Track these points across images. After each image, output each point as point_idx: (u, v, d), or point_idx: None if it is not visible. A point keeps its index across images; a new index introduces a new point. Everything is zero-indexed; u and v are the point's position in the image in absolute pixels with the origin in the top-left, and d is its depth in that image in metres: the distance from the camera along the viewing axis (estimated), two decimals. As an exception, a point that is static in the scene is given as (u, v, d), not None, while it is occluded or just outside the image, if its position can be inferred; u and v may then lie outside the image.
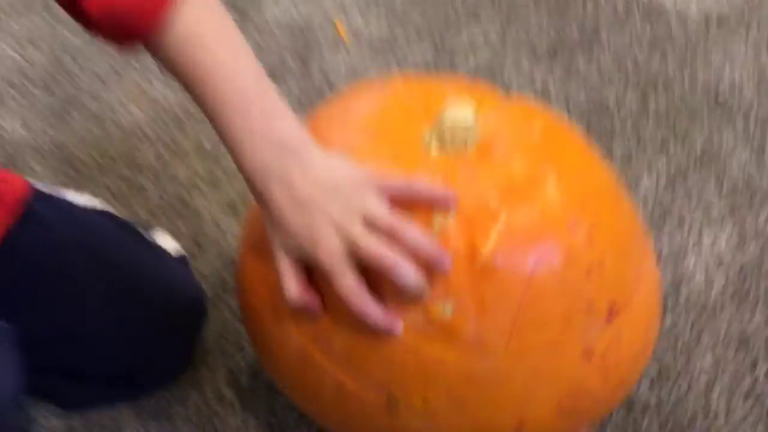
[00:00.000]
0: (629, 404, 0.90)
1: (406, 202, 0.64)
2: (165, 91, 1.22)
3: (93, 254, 0.84)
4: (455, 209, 0.63)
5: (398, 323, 0.63)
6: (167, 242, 1.00)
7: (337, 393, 0.69)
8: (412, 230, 0.62)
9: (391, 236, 0.62)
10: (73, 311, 0.83)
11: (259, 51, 1.26)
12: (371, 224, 0.62)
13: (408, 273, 0.61)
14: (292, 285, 0.65)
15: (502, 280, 0.63)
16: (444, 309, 0.63)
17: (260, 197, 0.66)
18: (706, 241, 1.04)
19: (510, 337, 0.64)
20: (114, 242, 0.88)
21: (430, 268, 0.62)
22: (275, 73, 1.23)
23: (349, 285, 0.62)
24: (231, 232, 1.06)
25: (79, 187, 1.09)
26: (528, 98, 1.19)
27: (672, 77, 1.23)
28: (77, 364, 0.87)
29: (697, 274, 1.01)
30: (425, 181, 0.64)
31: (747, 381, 0.92)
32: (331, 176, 0.64)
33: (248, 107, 0.65)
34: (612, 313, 0.67)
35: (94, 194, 1.06)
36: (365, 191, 0.63)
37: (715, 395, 0.90)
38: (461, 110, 0.68)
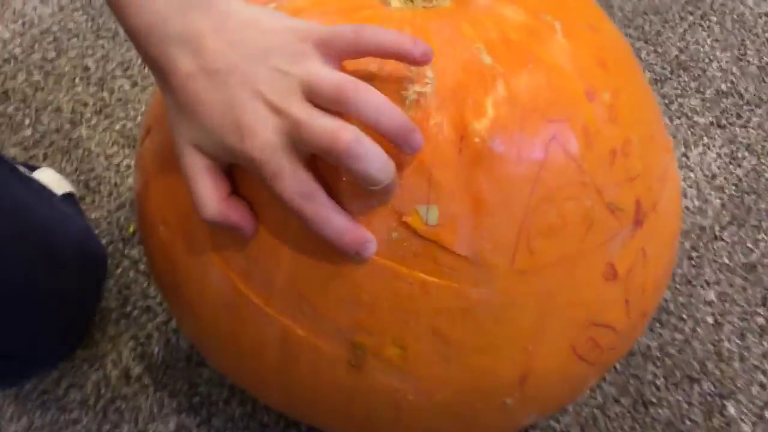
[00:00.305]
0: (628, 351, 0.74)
1: (361, 65, 0.46)
2: (36, 3, 1.00)
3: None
4: (433, 74, 0.45)
5: (370, 239, 0.45)
6: (53, 181, 0.79)
7: (282, 347, 0.50)
8: (370, 93, 0.43)
9: (341, 104, 0.43)
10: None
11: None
12: (315, 94, 0.44)
13: (372, 155, 0.43)
14: (209, 195, 0.46)
15: (503, 170, 0.45)
16: (426, 215, 0.45)
17: (157, 70, 0.46)
18: (694, 156, 0.89)
19: (516, 251, 0.46)
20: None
21: (395, 150, 0.44)
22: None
23: (297, 187, 0.44)
24: (126, 168, 0.85)
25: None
26: None
27: (635, -23, 1.08)
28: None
29: (688, 194, 0.86)
30: (385, 31, 0.45)
31: (760, 316, 0.77)
32: (255, 33, 0.45)
33: None
34: (638, 216, 0.50)
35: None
36: (304, 50, 0.44)
37: (724, 335, 0.75)
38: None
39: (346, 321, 0.48)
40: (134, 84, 0.91)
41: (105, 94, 0.90)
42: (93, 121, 0.88)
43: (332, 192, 0.45)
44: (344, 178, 0.45)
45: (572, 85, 0.47)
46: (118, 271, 0.79)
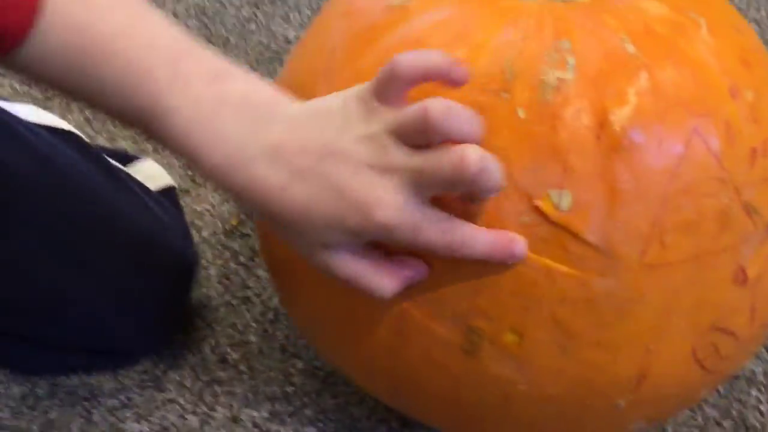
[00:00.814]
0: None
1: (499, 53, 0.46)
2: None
3: (50, 195, 0.65)
4: (574, 60, 0.45)
5: (518, 240, 0.45)
6: (153, 173, 0.81)
7: (396, 329, 0.50)
8: (451, 108, 0.42)
9: (431, 130, 0.42)
10: (25, 269, 0.64)
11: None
12: (405, 136, 0.43)
13: (494, 165, 0.42)
14: (377, 282, 0.46)
15: (641, 160, 0.44)
16: (559, 201, 0.45)
17: (249, 197, 0.46)
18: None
19: (648, 244, 0.45)
20: (80, 180, 0.69)
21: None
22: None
23: (438, 230, 0.44)
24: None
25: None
26: None
27: None
28: (37, 327, 0.68)
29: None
30: (419, 52, 0.45)
31: None
32: (322, 119, 0.45)
33: (182, 76, 0.46)
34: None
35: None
36: (368, 107, 0.44)
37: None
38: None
39: (465, 305, 0.48)
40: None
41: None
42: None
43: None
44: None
45: (716, 80, 0.46)
46: (219, 261, 0.80)
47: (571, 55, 0.46)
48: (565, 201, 0.45)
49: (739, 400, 0.70)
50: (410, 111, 0.43)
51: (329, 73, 0.51)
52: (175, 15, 1.02)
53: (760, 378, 0.71)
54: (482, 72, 0.46)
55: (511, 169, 0.45)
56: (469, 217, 0.45)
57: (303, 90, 0.52)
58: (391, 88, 0.44)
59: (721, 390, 0.71)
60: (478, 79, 0.46)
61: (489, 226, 0.45)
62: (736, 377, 0.71)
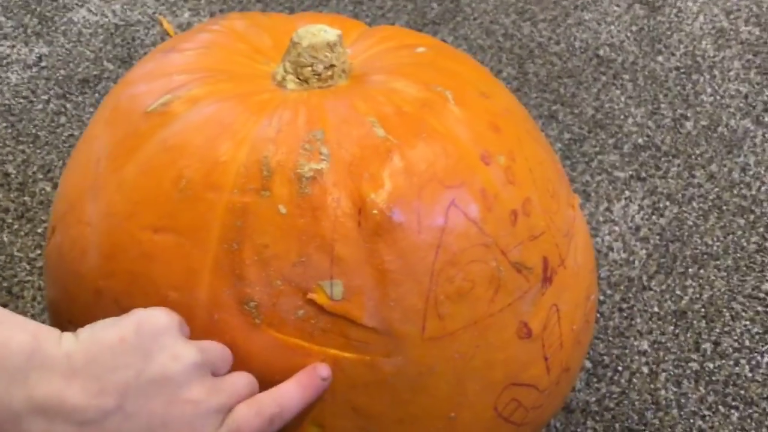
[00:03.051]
0: (566, 408, 0.74)
1: (255, 151, 0.46)
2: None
3: None
4: (328, 150, 0.46)
5: (320, 365, 0.46)
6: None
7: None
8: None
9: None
10: None
11: (70, 59, 1.06)
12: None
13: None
14: None
15: (404, 239, 0.45)
16: (331, 291, 0.45)
17: None
18: (617, 209, 0.91)
19: (425, 318, 0.46)
20: None
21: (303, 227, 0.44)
22: (94, 82, 1.03)
23: (254, 412, 0.43)
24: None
25: None
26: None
27: (547, 42, 1.11)
28: None
29: (614, 247, 0.87)
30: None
31: (694, 361, 0.77)
32: (110, 353, 0.40)
33: None
34: (547, 273, 0.51)
35: None
36: (160, 336, 0.42)
37: (660, 384, 0.76)
38: (320, 27, 0.51)
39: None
40: (56, 185, 0.91)
41: (27, 198, 0.89)
42: (15, 226, 0.87)
43: (237, 283, 0.45)
44: (242, 268, 0.45)
45: (467, 150, 0.48)
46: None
47: (325, 144, 0.46)
48: (337, 290, 0.45)
49: (575, 432, 0.72)
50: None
51: (95, 188, 0.50)
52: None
53: (594, 407, 0.74)
54: (242, 172, 0.46)
55: (281, 266, 0.45)
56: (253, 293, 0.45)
57: (73, 209, 0.50)
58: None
59: (558, 425, 0.72)
60: (238, 179, 0.46)
61: (269, 324, 0.45)
62: (571, 410, 0.73)
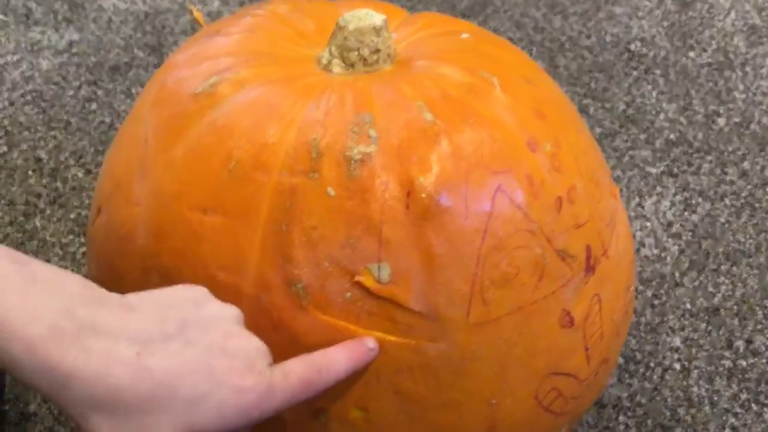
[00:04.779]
0: (598, 403, 0.73)
1: (303, 134, 0.46)
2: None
3: None
4: (377, 133, 0.46)
5: (368, 338, 0.46)
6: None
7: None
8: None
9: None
10: None
11: (101, 46, 1.06)
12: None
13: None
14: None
15: (451, 223, 0.45)
16: (378, 273, 0.45)
17: (81, 374, 0.37)
18: (649, 205, 0.90)
19: (471, 303, 0.46)
20: None
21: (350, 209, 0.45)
22: (125, 69, 1.03)
23: (304, 364, 0.44)
24: (82, 256, 0.84)
25: None
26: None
27: (577, 36, 1.11)
28: None
29: (646, 243, 0.86)
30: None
31: (727, 359, 0.77)
32: (155, 296, 0.42)
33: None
34: (590, 262, 0.50)
35: None
36: (198, 299, 0.43)
37: (693, 381, 0.75)
38: (366, 12, 0.50)
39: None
40: (88, 172, 0.91)
41: (59, 184, 0.90)
42: (47, 212, 0.87)
43: (284, 264, 0.45)
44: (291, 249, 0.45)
45: (513, 136, 0.48)
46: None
47: (373, 127, 0.46)
48: (385, 273, 0.45)
49: (609, 428, 0.71)
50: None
51: (143, 168, 0.50)
52: (11, 103, 0.98)
53: (626, 403, 0.73)
54: (291, 153, 0.46)
55: (329, 248, 0.45)
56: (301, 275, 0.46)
57: (120, 189, 0.50)
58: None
59: (590, 420, 0.72)
60: (287, 161, 0.46)
61: (316, 306, 0.45)
62: (603, 405, 0.73)
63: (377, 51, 0.50)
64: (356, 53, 0.50)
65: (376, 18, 0.50)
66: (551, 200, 0.48)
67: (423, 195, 0.45)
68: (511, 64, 0.54)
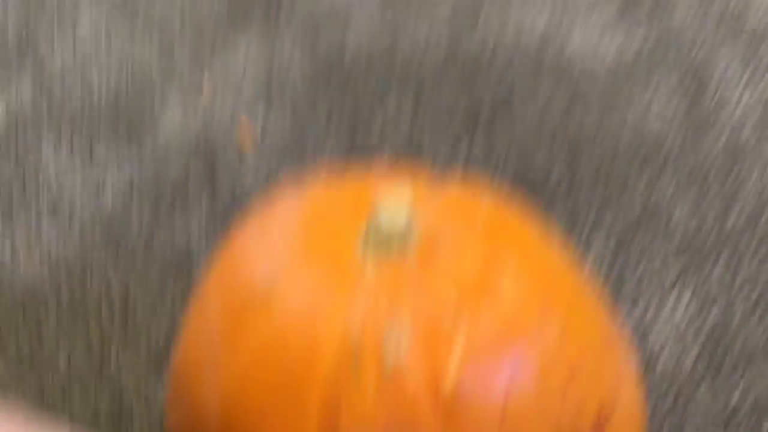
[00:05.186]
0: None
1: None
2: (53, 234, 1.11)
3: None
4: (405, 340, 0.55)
5: None
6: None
7: None
8: None
9: None
10: None
11: (163, 167, 1.17)
12: None
13: None
14: None
15: (473, 412, 0.54)
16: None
17: None
18: (666, 310, 0.98)
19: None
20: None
21: None
22: (182, 189, 1.14)
23: None
24: (157, 395, 0.94)
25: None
26: (461, 177, 1.12)
27: (594, 135, 1.19)
28: None
29: (664, 350, 0.94)
30: None
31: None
32: None
33: None
34: (600, 420, 0.58)
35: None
36: None
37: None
38: (396, 210, 0.59)
39: None
40: (153, 308, 1.02)
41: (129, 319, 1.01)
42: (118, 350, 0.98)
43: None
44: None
45: (525, 320, 0.56)
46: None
47: (404, 332, 0.55)
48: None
49: None
50: None
51: (209, 366, 0.60)
52: (81, 238, 1.10)
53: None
54: (335, 359, 0.55)
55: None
56: None
57: (190, 383, 0.60)
58: None
59: None
60: (332, 368, 0.55)
61: None
62: None
63: (406, 241, 0.59)
64: (387, 247, 0.59)
65: (406, 217, 0.59)
66: (563, 374, 0.56)
67: (447, 390, 0.53)
68: (527, 241, 0.63)
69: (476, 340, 0.55)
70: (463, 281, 0.57)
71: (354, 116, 1.27)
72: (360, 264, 0.60)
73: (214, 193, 1.16)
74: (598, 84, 1.26)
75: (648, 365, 0.92)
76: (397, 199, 0.61)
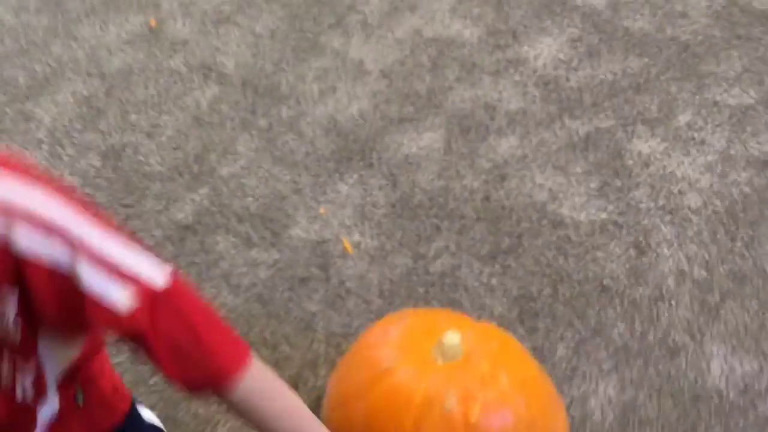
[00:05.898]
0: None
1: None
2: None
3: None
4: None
5: None
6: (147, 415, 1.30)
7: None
8: None
9: None
10: None
11: (292, 262, 1.82)
12: None
13: None
14: None
15: (482, 432, 1.18)
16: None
17: None
18: (601, 389, 1.60)
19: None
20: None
21: None
22: (304, 281, 1.79)
23: None
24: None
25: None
26: (487, 321, 1.74)
27: (571, 271, 1.82)
28: None
29: (595, 412, 1.57)
30: None
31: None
32: None
33: None
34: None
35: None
36: None
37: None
38: (453, 338, 1.24)
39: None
40: (292, 346, 1.69)
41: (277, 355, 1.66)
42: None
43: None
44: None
45: (509, 396, 1.20)
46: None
47: (453, 391, 1.19)
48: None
49: None
50: None
51: (357, 402, 1.24)
52: (246, 301, 1.76)
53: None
54: (420, 402, 1.19)
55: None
56: None
57: (340, 414, 1.25)
58: None
59: None
60: (418, 406, 1.20)
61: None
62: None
63: (456, 353, 1.24)
64: (447, 354, 1.23)
65: (457, 346, 1.23)
66: (525, 424, 1.20)
67: (473, 422, 1.17)
68: (515, 357, 1.27)
69: (487, 403, 1.19)
70: (482, 374, 1.21)
71: (418, 237, 1.91)
72: (434, 360, 1.25)
73: (328, 277, 1.81)
74: (579, 234, 1.90)
75: (585, 418, 1.55)
76: (453, 332, 1.25)
